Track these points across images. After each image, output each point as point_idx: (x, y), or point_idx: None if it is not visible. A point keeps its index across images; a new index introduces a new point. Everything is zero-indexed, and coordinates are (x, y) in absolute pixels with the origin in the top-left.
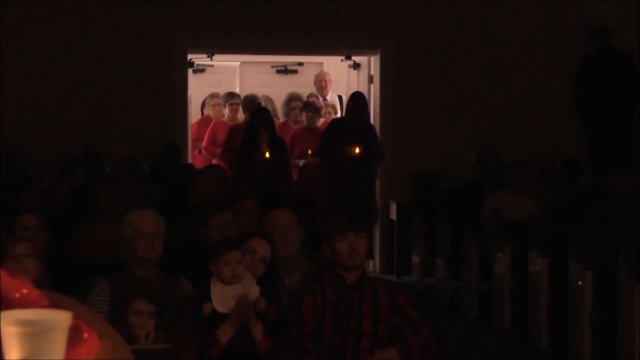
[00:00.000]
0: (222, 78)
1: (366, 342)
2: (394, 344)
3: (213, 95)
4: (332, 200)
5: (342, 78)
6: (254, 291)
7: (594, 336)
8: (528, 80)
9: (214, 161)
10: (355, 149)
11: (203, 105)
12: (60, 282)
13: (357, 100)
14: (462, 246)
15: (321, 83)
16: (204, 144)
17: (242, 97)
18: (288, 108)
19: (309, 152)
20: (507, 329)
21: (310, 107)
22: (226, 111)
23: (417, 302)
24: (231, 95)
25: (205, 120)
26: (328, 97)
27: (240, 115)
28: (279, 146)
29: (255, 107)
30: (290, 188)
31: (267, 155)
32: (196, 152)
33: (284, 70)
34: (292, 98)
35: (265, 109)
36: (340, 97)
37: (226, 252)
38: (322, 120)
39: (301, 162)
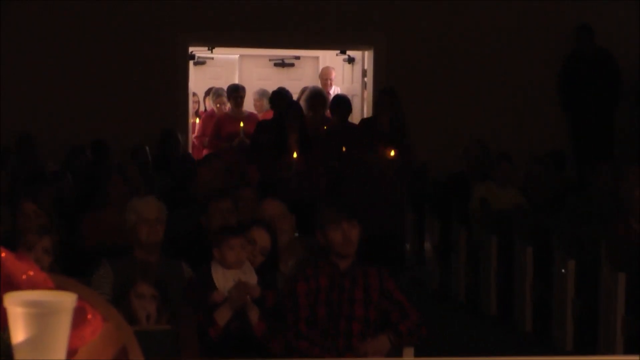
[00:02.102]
0: (221, 71)
1: (358, 326)
2: (384, 329)
3: (218, 94)
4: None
5: (337, 72)
6: (252, 279)
7: (576, 323)
8: (515, 76)
9: None
10: (388, 151)
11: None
12: (67, 266)
13: (388, 97)
14: (450, 235)
15: (327, 81)
16: (207, 138)
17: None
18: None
19: None
20: (493, 315)
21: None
22: (229, 105)
23: (407, 289)
24: (235, 89)
25: (210, 115)
26: (331, 92)
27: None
28: (309, 147)
29: (284, 102)
30: (320, 193)
31: (295, 155)
32: (202, 147)
33: (281, 64)
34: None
35: (296, 105)
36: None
37: (232, 237)
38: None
39: None
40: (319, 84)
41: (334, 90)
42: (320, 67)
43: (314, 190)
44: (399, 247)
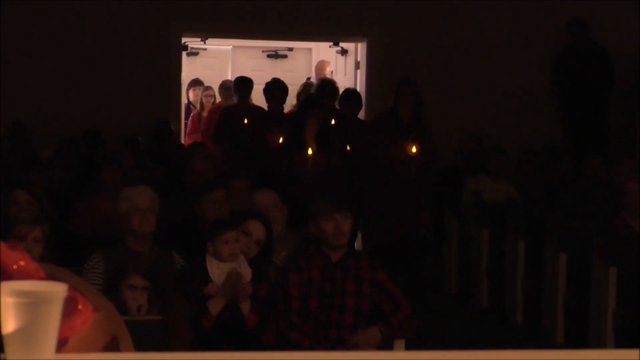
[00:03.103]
0: (214, 62)
1: (349, 317)
2: (375, 320)
3: (226, 87)
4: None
5: (330, 64)
6: (246, 271)
7: (567, 316)
8: (510, 70)
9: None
10: (410, 147)
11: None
12: (60, 254)
13: (409, 88)
14: (443, 228)
15: (324, 73)
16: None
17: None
18: None
19: None
20: (484, 308)
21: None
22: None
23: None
24: (242, 81)
25: (216, 109)
26: None
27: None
28: (327, 143)
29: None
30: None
31: (310, 152)
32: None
33: (274, 55)
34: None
35: (317, 99)
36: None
37: (225, 231)
38: None
39: None
40: (312, 76)
41: None
42: (314, 59)
43: (330, 190)
44: (418, 252)
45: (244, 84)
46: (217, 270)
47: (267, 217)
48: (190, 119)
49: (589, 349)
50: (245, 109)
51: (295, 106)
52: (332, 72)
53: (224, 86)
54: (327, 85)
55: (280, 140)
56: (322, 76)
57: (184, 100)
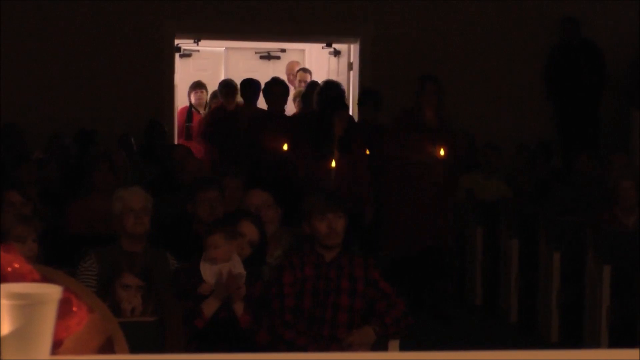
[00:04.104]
0: (207, 63)
1: (343, 315)
2: (370, 319)
3: (214, 94)
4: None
5: (323, 65)
6: (240, 272)
7: (561, 314)
8: (501, 67)
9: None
10: (438, 150)
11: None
12: (54, 254)
13: (433, 85)
14: None
15: (294, 74)
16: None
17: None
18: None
19: None
20: (478, 305)
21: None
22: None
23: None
24: (249, 84)
25: (216, 110)
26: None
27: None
28: (350, 147)
29: (331, 94)
30: (363, 200)
31: (334, 159)
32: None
33: (267, 56)
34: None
35: (340, 99)
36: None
37: (218, 234)
38: None
39: None
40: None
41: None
42: (307, 60)
43: (355, 196)
44: (447, 262)
45: (250, 87)
46: (210, 272)
47: (260, 217)
48: (197, 122)
49: (589, 349)
50: (250, 111)
51: (300, 108)
52: (301, 72)
53: (227, 86)
54: (332, 87)
55: (285, 146)
56: (292, 77)
57: (183, 103)
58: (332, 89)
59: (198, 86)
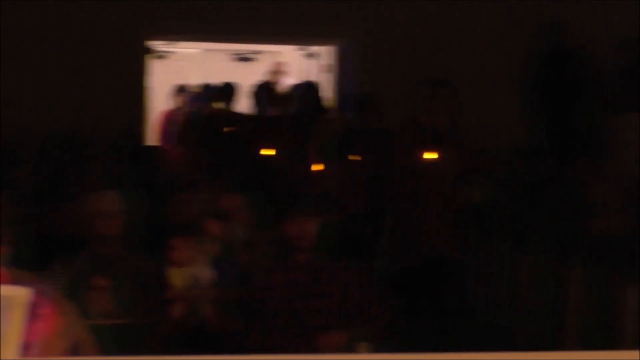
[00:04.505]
0: (182, 65)
1: (318, 319)
2: (345, 322)
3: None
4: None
5: (298, 67)
6: (206, 274)
7: (542, 317)
8: (488, 71)
9: None
10: (444, 156)
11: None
12: (36, 256)
13: (447, 91)
14: None
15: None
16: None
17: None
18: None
19: None
20: (460, 309)
21: None
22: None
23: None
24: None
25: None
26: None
27: None
28: (345, 153)
29: (313, 97)
30: (359, 210)
31: (317, 166)
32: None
33: (243, 58)
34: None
35: (324, 102)
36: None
37: (180, 237)
38: None
39: None
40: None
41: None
42: (283, 62)
43: (351, 207)
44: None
45: (229, 90)
46: (177, 276)
47: (233, 219)
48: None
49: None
50: (229, 114)
51: (286, 111)
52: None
53: (205, 89)
54: (317, 89)
55: (272, 151)
56: (274, 78)
57: (160, 105)
58: (317, 91)
59: (181, 90)
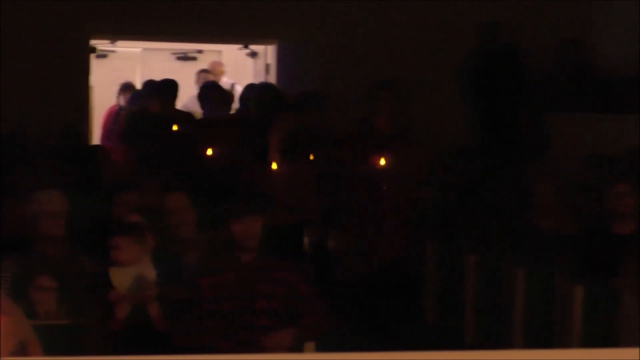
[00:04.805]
0: (124, 64)
1: (262, 319)
2: (289, 322)
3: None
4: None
5: (240, 66)
6: (150, 273)
7: (477, 317)
8: (423, 71)
9: None
10: (388, 161)
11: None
12: None
13: (387, 93)
14: None
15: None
16: None
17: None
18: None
19: None
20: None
21: None
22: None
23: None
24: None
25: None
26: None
27: None
28: (296, 154)
29: (269, 96)
30: (310, 213)
31: (275, 165)
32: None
33: (184, 57)
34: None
35: (280, 101)
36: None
37: (119, 236)
38: None
39: None
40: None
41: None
42: (224, 61)
43: (303, 209)
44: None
45: (169, 88)
46: (120, 276)
47: (177, 219)
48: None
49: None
50: (172, 114)
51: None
52: (204, 73)
53: (147, 86)
54: (270, 89)
55: (218, 150)
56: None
57: (101, 104)
58: (270, 90)
59: (127, 87)
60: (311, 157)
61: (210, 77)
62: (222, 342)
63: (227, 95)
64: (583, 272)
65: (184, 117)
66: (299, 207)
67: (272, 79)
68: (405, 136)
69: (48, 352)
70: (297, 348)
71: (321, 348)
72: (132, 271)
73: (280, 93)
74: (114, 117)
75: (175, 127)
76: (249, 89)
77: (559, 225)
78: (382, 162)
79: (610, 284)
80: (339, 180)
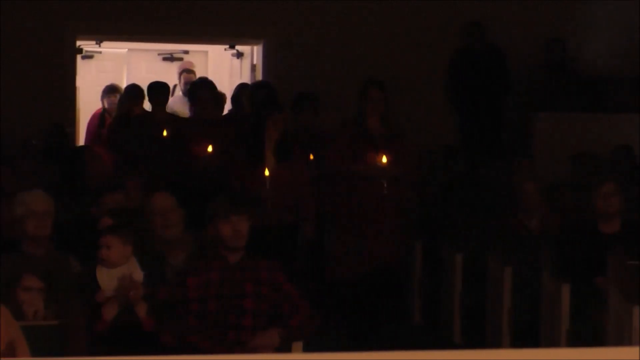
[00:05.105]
0: (109, 65)
1: (248, 319)
2: (277, 322)
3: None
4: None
5: (225, 67)
6: (138, 274)
7: (463, 315)
8: (407, 70)
9: None
10: (380, 159)
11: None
12: None
13: (377, 91)
14: None
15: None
16: None
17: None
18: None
19: None
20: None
21: None
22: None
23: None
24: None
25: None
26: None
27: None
28: (289, 155)
29: (263, 96)
30: (302, 215)
31: (270, 166)
32: None
33: (170, 58)
34: None
35: (273, 101)
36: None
37: (108, 236)
38: None
39: None
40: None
41: None
42: (210, 61)
43: (294, 207)
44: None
45: (161, 90)
46: (107, 277)
47: (164, 219)
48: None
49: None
50: (162, 118)
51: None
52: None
53: (133, 90)
54: (264, 88)
55: (209, 148)
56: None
57: (87, 105)
58: (264, 89)
59: (111, 90)
60: (309, 157)
61: (193, 78)
62: (210, 343)
63: (219, 94)
64: (570, 271)
65: (172, 118)
66: (292, 207)
67: (257, 79)
68: (399, 136)
69: (36, 353)
70: (285, 348)
71: (308, 348)
72: (119, 272)
73: (275, 92)
74: (99, 121)
75: (161, 128)
76: (242, 88)
77: (545, 225)
78: (376, 161)
79: (597, 282)
80: (332, 180)
